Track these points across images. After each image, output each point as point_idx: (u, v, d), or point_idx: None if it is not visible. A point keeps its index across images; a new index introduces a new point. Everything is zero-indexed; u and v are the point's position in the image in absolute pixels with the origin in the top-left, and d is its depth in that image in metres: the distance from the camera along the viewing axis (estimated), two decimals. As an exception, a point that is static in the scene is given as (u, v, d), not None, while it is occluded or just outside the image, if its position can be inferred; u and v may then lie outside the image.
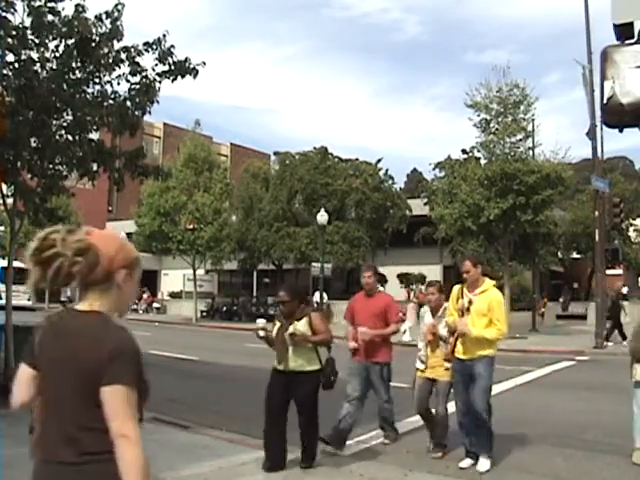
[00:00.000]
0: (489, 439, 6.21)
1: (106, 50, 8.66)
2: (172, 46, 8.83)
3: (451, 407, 6.63)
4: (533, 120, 22.44)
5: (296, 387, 5.89)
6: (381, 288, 30.85)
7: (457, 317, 6.15)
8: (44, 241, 2.00)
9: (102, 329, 1.98)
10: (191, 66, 8.97)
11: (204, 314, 34.40)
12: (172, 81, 8.97)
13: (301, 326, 5.90)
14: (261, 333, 6.00)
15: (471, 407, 6.04)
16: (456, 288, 6.34)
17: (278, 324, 6.09)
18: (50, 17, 8.41)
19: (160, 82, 8.94)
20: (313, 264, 30.14)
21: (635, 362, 6.26)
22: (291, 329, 5.88)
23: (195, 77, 9.03)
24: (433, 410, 6.68)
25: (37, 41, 8.39)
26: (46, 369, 2.02)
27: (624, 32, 3.09)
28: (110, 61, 8.70)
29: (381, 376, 7.04)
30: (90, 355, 1.93)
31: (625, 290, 34.55)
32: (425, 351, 6.63)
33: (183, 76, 8.96)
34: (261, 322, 6.11)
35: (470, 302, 6.11)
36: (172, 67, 8.87)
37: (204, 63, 9.10)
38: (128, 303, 2.19)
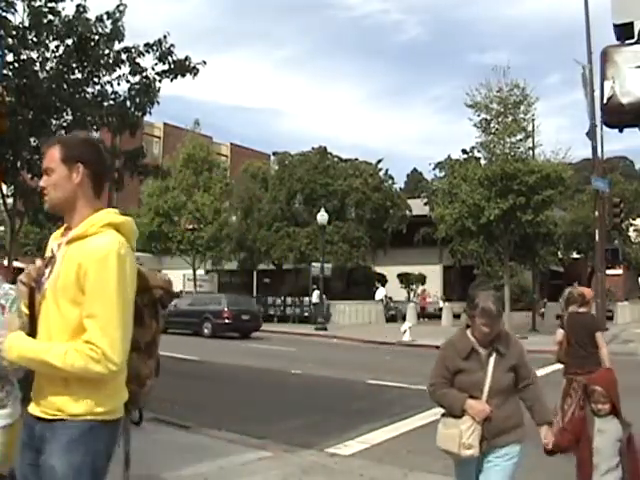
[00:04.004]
0: None
1: (106, 51, 8.67)
2: (172, 45, 8.83)
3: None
4: (533, 120, 22.45)
5: None
6: (382, 289, 30.68)
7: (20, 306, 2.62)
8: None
9: (591, 316, 6.82)
10: (191, 65, 8.97)
11: (204, 314, 34.37)
12: (171, 80, 8.98)
13: None
14: None
15: None
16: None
17: None
18: (50, 17, 8.41)
19: (160, 81, 8.94)
20: (313, 264, 30.15)
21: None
22: None
23: (195, 76, 9.03)
24: None
25: (37, 40, 8.40)
26: (571, 330, 6.34)
27: (624, 32, 3.08)
28: (110, 61, 8.71)
29: None
30: (592, 322, 6.54)
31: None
32: None
33: (183, 75, 8.96)
34: None
35: (51, 261, 2.42)
36: (172, 66, 8.87)
37: (204, 62, 9.10)
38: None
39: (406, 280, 36.67)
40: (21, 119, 8.35)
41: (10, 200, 9.41)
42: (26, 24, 8.26)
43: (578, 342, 6.42)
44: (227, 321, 22.13)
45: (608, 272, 23.81)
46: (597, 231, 20.01)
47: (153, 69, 8.88)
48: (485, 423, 3.28)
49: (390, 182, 37.48)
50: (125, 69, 8.84)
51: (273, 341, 21.44)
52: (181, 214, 30.44)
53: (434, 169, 34.37)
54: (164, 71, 8.89)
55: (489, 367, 3.35)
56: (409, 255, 35.79)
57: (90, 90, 8.88)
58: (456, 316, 29.79)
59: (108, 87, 8.91)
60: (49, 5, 8.40)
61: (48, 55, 8.51)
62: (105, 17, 8.63)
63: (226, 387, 11.57)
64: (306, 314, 31.09)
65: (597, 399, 3.64)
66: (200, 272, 35.59)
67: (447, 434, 3.34)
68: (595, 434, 3.58)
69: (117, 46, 8.74)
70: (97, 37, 8.56)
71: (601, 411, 3.64)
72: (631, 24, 3.06)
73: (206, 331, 22.30)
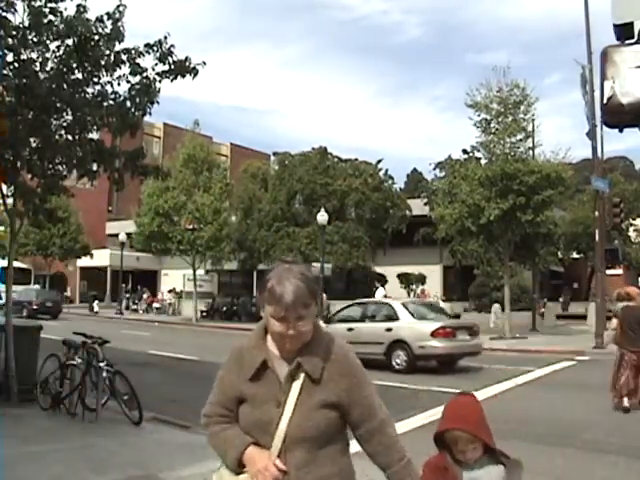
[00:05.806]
0: None
1: (107, 51, 8.65)
2: (172, 45, 8.81)
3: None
4: (533, 120, 22.45)
5: None
6: (381, 289, 30.89)
7: None
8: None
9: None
10: (191, 66, 8.95)
11: (204, 314, 34.39)
12: (172, 80, 8.95)
13: None
14: None
15: None
16: None
17: None
18: (51, 17, 8.39)
19: (160, 82, 8.92)
20: (313, 264, 30.15)
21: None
22: None
23: (195, 77, 9.00)
24: None
25: (37, 40, 8.38)
26: (623, 319, 8.88)
27: (624, 32, 3.08)
28: (111, 61, 8.69)
29: None
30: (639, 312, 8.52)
31: None
32: None
33: (183, 76, 8.93)
34: None
35: None
36: (172, 67, 8.85)
37: (204, 63, 9.07)
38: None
39: (406, 280, 36.66)
40: (21, 119, 8.34)
41: (10, 200, 9.40)
42: (26, 24, 8.25)
43: (629, 327, 8.82)
44: (35, 307, 31.45)
45: (608, 272, 23.75)
46: (597, 231, 19.97)
47: (153, 69, 8.86)
48: None
49: (390, 182, 37.53)
50: (125, 69, 8.82)
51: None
52: (181, 214, 30.41)
53: (434, 169, 34.49)
54: (164, 71, 8.87)
55: (289, 398, 1.98)
56: (409, 255, 35.78)
57: (90, 90, 8.85)
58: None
59: (108, 87, 8.90)
60: (49, 5, 8.37)
61: (48, 55, 8.48)
62: (105, 17, 8.62)
63: (226, 387, 11.54)
64: (306, 314, 31.07)
65: (464, 448, 2.27)
66: (200, 272, 35.57)
67: None
68: None
69: (117, 47, 8.72)
70: (97, 37, 8.54)
71: (471, 459, 2.30)
72: (631, 24, 3.06)
73: (24, 314, 29.78)
